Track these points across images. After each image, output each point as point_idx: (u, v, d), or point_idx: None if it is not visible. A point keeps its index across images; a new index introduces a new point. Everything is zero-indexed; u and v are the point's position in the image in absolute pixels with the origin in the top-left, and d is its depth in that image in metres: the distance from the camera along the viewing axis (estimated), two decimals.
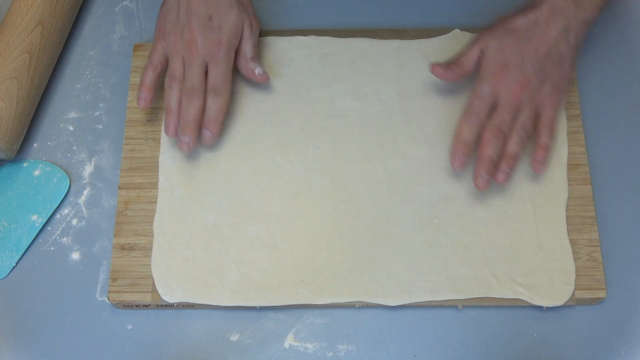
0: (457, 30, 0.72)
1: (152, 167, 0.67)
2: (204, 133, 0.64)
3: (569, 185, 0.66)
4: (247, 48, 0.66)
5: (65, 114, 0.72)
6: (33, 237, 0.66)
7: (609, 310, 0.63)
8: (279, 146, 0.68)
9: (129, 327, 0.64)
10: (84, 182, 0.69)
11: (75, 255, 0.66)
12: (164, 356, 0.63)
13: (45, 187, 0.68)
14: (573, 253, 0.63)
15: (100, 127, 0.72)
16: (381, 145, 0.67)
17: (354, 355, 0.62)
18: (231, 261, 0.63)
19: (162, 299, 0.62)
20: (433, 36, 0.72)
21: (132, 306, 0.64)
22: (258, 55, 0.68)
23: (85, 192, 0.69)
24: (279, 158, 0.67)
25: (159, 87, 0.67)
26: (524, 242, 0.63)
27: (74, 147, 0.71)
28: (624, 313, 0.63)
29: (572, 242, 0.64)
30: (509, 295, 0.62)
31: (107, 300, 0.63)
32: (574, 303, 0.62)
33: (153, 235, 0.65)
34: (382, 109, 0.69)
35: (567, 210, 0.65)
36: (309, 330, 0.63)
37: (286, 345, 0.63)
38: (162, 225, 0.65)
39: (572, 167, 0.66)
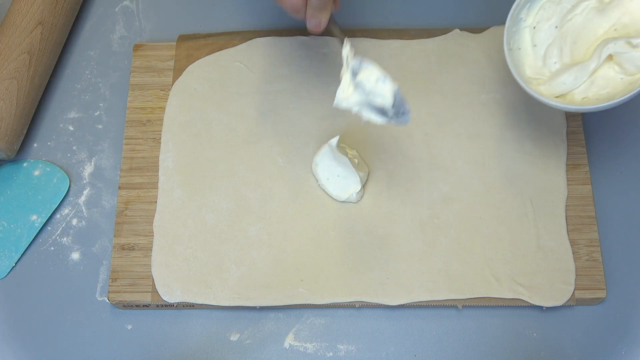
0: (457, 30, 0.72)
1: (152, 167, 0.68)
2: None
3: (568, 185, 0.66)
4: None
5: (65, 114, 0.72)
6: (33, 237, 0.66)
7: (609, 310, 0.63)
8: (279, 146, 0.68)
9: (129, 327, 0.64)
10: (84, 182, 0.69)
11: (75, 255, 0.66)
12: (164, 356, 0.63)
13: (45, 187, 0.68)
14: (573, 253, 0.63)
15: (100, 127, 0.72)
16: (381, 145, 0.67)
17: (354, 355, 0.62)
18: (231, 261, 0.63)
19: (162, 299, 0.62)
20: (433, 36, 0.72)
21: (132, 306, 0.64)
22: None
23: (85, 192, 0.69)
24: (279, 158, 0.67)
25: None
26: (524, 242, 0.63)
27: (74, 147, 0.71)
28: (624, 313, 0.63)
29: (572, 242, 0.64)
30: (509, 295, 0.62)
31: (107, 300, 0.63)
32: (574, 303, 0.62)
33: (153, 235, 0.65)
34: None
35: (566, 210, 0.65)
36: (309, 330, 0.63)
37: (286, 345, 0.63)
38: (162, 225, 0.65)
39: (572, 167, 0.66)
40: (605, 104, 0.56)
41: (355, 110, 0.55)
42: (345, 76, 0.56)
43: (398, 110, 0.55)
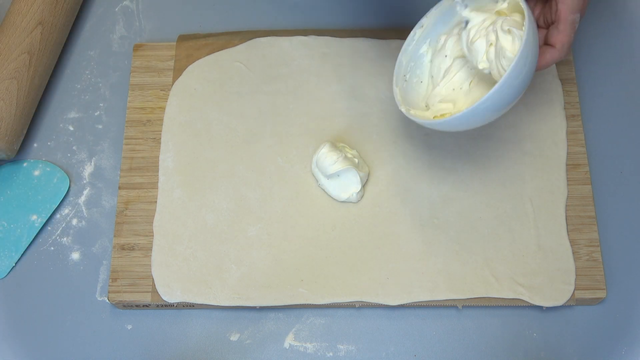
0: None
1: (152, 167, 0.68)
2: None
3: (568, 185, 0.66)
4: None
5: (65, 114, 0.72)
6: (33, 237, 0.66)
7: (609, 310, 0.63)
8: (279, 146, 0.68)
9: (129, 327, 0.64)
10: (84, 182, 0.69)
11: (75, 255, 0.66)
12: (164, 356, 0.63)
13: (45, 187, 0.68)
14: (573, 253, 0.63)
15: (100, 127, 0.72)
16: (381, 145, 0.68)
17: (354, 355, 0.62)
18: (231, 261, 0.63)
19: (162, 299, 0.62)
20: None
21: (132, 306, 0.64)
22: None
23: (85, 192, 0.69)
24: (279, 158, 0.67)
25: None
26: (524, 242, 0.63)
27: (74, 147, 0.71)
28: (624, 313, 0.63)
29: (572, 242, 0.64)
30: (509, 295, 0.62)
31: (107, 300, 0.63)
32: (574, 303, 0.62)
33: (153, 235, 0.65)
34: (382, 109, 0.69)
35: (566, 210, 0.65)
36: (309, 330, 0.63)
37: (286, 345, 0.63)
38: (162, 225, 0.65)
39: (572, 167, 0.66)
40: (449, 117, 0.55)
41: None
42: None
43: None
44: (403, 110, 0.59)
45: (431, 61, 0.62)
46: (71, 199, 0.68)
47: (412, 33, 0.62)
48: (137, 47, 0.73)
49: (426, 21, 0.61)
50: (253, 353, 0.62)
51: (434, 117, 0.60)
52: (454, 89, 0.61)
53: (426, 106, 0.62)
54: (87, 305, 0.65)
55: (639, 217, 0.66)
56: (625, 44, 0.73)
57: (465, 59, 0.60)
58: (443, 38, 0.61)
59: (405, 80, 0.62)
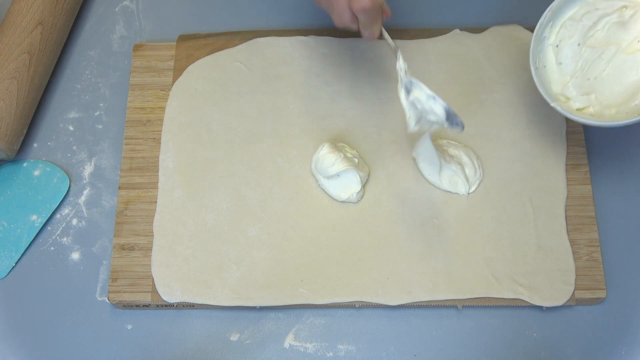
0: (457, 30, 0.72)
1: (152, 167, 0.68)
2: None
3: (568, 185, 0.66)
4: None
5: (65, 114, 0.72)
6: (33, 237, 0.66)
7: (609, 310, 0.63)
8: (279, 146, 0.68)
9: (129, 327, 0.64)
10: (84, 182, 0.69)
11: (75, 255, 0.66)
12: (164, 356, 0.63)
13: (45, 187, 0.68)
14: (573, 253, 0.63)
15: (100, 127, 0.72)
16: (381, 145, 0.68)
17: (354, 355, 0.62)
18: (231, 261, 0.63)
19: (162, 299, 0.62)
20: (433, 36, 0.72)
21: (132, 306, 0.64)
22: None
23: (85, 192, 0.69)
24: (279, 158, 0.67)
25: None
26: (523, 242, 0.63)
27: (74, 147, 0.71)
28: (624, 313, 0.63)
29: (572, 242, 0.64)
30: (509, 295, 0.62)
31: (107, 300, 0.63)
32: (574, 303, 0.62)
33: (153, 235, 0.65)
34: (382, 109, 0.69)
35: (566, 210, 0.65)
36: (309, 330, 0.63)
37: (286, 345, 0.63)
38: (162, 225, 0.65)
39: (572, 167, 0.66)
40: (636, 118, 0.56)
41: (413, 126, 0.59)
42: (401, 93, 0.59)
43: (451, 123, 0.57)
44: (562, 110, 0.60)
45: (557, 46, 0.62)
46: (71, 199, 0.69)
47: (542, 17, 0.62)
48: (137, 47, 0.73)
49: (555, 4, 0.61)
50: (253, 353, 0.63)
51: (576, 110, 0.61)
52: (588, 79, 0.61)
53: (561, 95, 0.62)
54: (87, 305, 0.65)
55: (639, 217, 0.66)
56: None
57: (601, 49, 0.60)
58: (570, 24, 0.61)
59: (537, 68, 0.62)
